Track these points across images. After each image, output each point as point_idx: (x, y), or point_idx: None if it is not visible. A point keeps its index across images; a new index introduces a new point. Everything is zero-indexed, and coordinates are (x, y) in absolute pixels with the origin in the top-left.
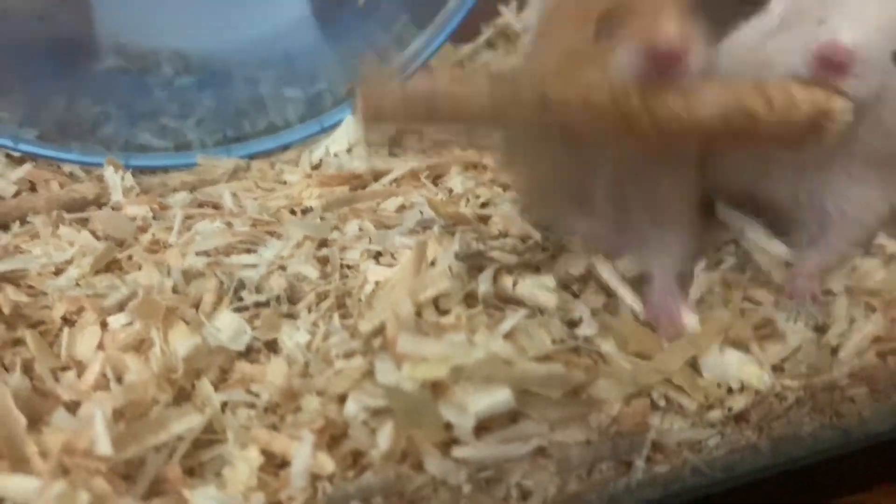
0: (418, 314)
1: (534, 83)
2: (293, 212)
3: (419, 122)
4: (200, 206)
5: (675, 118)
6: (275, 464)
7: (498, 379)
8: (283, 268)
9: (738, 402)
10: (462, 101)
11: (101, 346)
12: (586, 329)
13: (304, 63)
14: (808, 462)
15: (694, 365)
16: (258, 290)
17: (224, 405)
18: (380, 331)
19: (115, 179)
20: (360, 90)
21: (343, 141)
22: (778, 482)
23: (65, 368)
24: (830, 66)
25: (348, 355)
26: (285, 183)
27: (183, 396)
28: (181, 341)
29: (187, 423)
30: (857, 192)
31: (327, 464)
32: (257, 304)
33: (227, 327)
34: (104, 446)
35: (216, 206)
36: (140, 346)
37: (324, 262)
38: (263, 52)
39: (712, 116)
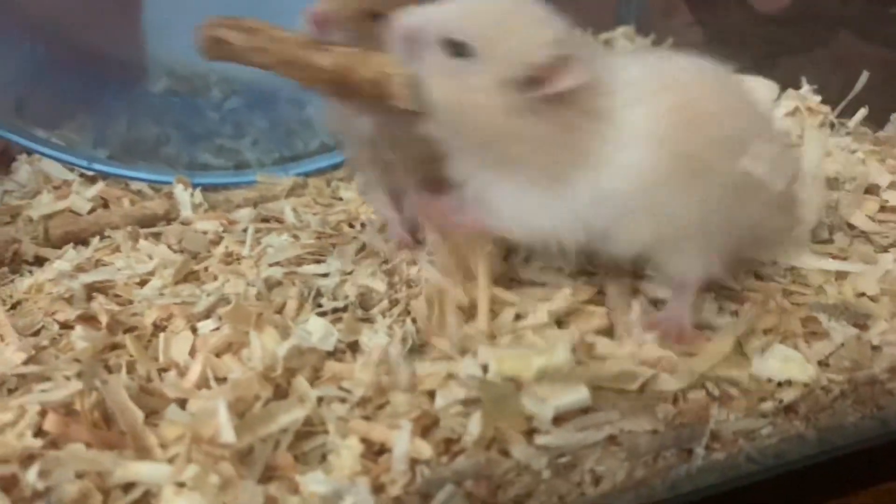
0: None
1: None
2: (351, 225)
3: (250, 57)
4: (264, 220)
5: (300, 60)
6: (374, 451)
7: (575, 377)
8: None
9: (789, 395)
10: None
11: (193, 349)
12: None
13: None
14: (850, 450)
15: (746, 360)
16: (334, 296)
17: (320, 400)
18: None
19: (185, 196)
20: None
21: None
22: (823, 469)
23: (164, 369)
24: (391, 38)
25: (435, 358)
26: (341, 199)
27: (281, 393)
28: (275, 343)
29: (293, 415)
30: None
31: (425, 449)
32: (335, 310)
33: (317, 330)
34: (228, 435)
35: (279, 221)
36: (231, 348)
37: (390, 273)
38: None
39: (331, 68)
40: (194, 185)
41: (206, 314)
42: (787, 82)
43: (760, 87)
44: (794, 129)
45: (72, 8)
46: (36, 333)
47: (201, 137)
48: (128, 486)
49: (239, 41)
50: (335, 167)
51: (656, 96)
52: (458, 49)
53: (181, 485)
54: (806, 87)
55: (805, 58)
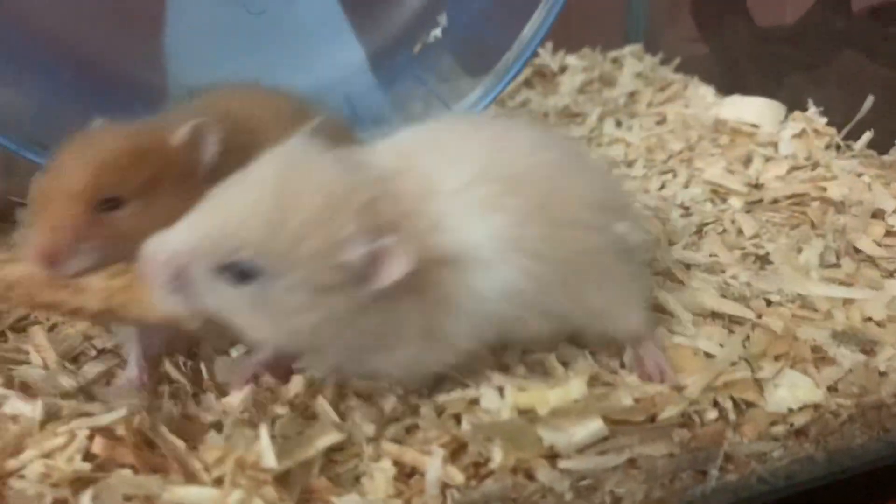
0: None
1: None
2: None
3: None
4: None
5: (65, 307)
6: (405, 473)
7: (590, 412)
8: None
9: (799, 419)
10: None
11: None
12: None
13: (364, 107)
14: (858, 471)
15: (759, 385)
16: None
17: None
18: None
19: None
20: None
21: None
22: (832, 490)
23: (202, 392)
24: (145, 276)
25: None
26: None
27: (308, 415)
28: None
29: (330, 438)
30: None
31: (456, 475)
32: None
33: None
34: (269, 459)
35: None
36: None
37: None
38: (326, 96)
39: (95, 307)
40: None
41: None
42: (793, 101)
43: (767, 109)
44: (802, 151)
45: (97, 32)
46: (75, 359)
47: None
48: None
49: None
50: None
51: (497, 204)
52: (243, 274)
53: None
54: (812, 109)
55: (810, 77)
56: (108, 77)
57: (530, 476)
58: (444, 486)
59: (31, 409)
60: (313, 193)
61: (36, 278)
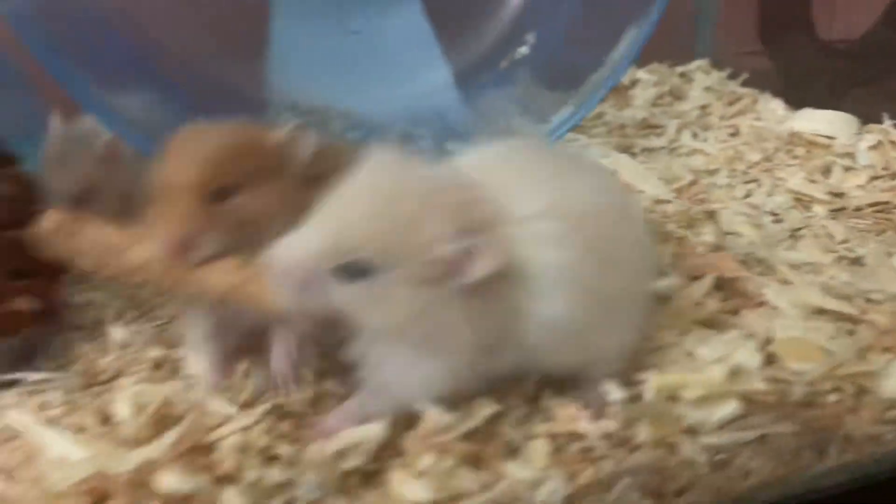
0: None
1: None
2: None
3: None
4: None
5: (193, 288)
6: (561, 443)
7: (728, 395)
8: None
9: None
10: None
11: None
12: None
13: (453, 121)
14: None
15: (872, 374)
16: None
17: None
18: None
19: None
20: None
21: None
22: None
23: None
24: (272, 278)
25: None
26: None
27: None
28: None
29: (491, 407)
30: (389, 367)
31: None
32: None
33: None
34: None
35: None
36: None
37: None
38: (414, 110)
39: (221, 290)
40: None
41: None
42: (859, 115)
43: (840, 121)
44: (879, 161)
45: (207, 45)
46: None
47: None
48: None
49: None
50: None
51: (564, 239)
52: (359, 271)
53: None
54: (888, 122)
55: (878, 90)
56: (216, 89)
57: (672, 450)
58: (597, 459)
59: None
60: (414, 198)
61: (162, 261)
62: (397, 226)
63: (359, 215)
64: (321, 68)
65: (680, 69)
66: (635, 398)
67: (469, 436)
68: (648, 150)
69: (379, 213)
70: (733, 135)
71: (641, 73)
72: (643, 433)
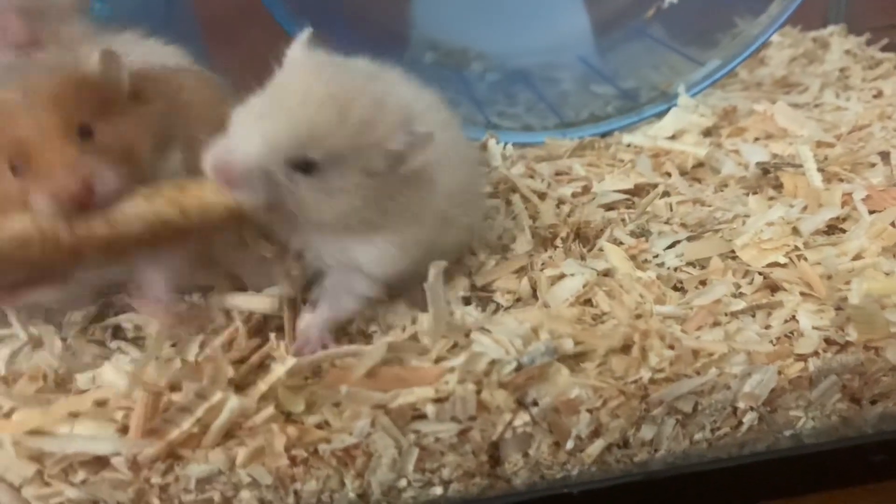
0: None
1: None
2: None
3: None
4: (557, 173)
5: (107, 239)
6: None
7: None
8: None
9: None
10: None
11: None
12: None
13: (600, 65)
14: None
15: None
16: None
17: None
18: None
19: (497, 149)
20: None
21: (669, 129)
22: None
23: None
24: (223, 179)
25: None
26: (622, 161)
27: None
28: None
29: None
30: (355, 251)
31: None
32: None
33: None
34: None
35: (568, 174)
36: None
37: None
38: (553, 57)
39: (139, 232)
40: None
41: None
42: None
43: None
44: None
45: None
46: None
47: (483, 103)
48: None
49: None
50: (603, 135)
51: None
52: (310, 165)
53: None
54: None
55: None
56: (363, 23)
57: (878, 353)
58: (807, 356)
59: None
60: (364, 97)
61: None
62: (350, 123)
63: (312, 114)
64: (464, 10)
65: (813, 34)
66: None
67: None
68: (793, 105)
69: (332, 111)
70: (876, 97)
71: (773, 36)
72: (853, 334)
